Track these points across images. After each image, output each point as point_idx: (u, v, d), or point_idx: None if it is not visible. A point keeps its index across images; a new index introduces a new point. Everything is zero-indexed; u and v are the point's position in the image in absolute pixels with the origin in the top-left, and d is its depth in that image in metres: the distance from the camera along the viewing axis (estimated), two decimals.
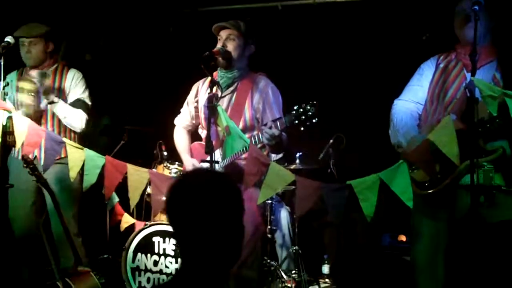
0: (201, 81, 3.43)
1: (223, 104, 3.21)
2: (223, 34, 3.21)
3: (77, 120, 3.75)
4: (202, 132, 3.39)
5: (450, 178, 2.61)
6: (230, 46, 3.18)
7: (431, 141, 2.54)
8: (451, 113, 2.65)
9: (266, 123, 2.94)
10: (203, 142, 3.31)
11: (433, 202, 2.73)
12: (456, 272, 2.70)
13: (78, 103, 3.80)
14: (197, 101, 3.40)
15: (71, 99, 3.83)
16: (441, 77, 2.84)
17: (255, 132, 3.14)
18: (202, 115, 3.34)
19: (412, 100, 2.96)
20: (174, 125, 3.64)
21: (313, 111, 2.70)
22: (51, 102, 3.66)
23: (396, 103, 3.02)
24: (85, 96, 3.86)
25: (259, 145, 3.12)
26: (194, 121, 3.49)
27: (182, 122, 3.54)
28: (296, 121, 2.73)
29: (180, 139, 3.51)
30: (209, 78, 3.10)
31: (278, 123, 2.81)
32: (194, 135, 3.60)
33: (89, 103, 3.88)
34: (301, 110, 2.72)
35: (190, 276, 1.61)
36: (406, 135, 2.84)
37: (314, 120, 2.71)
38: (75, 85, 3.85)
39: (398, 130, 2.89)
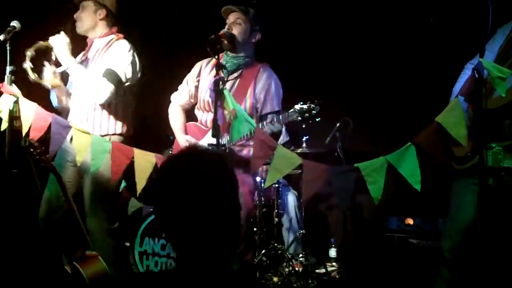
0: (204, 61, 3.40)
1: None
2: (231, 17, 3.22)
3: (99, 90, 3.27)
4: (199, 113, 3.36)
5: (470, 164, 2.56)
6: (236, 30, 3.19)
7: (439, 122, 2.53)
8: (459, 94, 2.62)
9: (264, 114, 2.96)
10: (199, 124, 3.31)
11: (463, 177, 2.68)
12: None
13: (105, 72, 3.30)
14: (198, 81, 3.37)
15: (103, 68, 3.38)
16: (507, 46, 2.67)
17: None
18: (201, 96, 3.32)
19: None
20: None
21: (317, 110, 2.72)
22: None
23: (465, 67, 2.90)
24: (118, 67, 3.33)
25: None
26: (192, 100, 3.45)
27: (179, 99, 3.49)
28: (299, 118, 2.76)
29: (176, 116, 3.47)
30: (213, 59, 3.09)
31: (280, 118, 2.84)
32: (188, 114, 3.55)
33: (121, 76, 3.34)
34: (306, 108, 2.74)
35: (189, 272, 1.42)
36: None
37: (317, 120, 2.73)
38: (114, 55, 3.40)
39: (452, 95, 2.82)
